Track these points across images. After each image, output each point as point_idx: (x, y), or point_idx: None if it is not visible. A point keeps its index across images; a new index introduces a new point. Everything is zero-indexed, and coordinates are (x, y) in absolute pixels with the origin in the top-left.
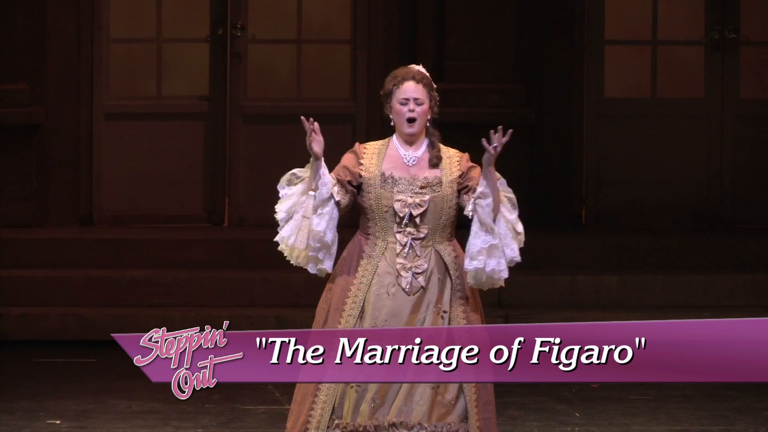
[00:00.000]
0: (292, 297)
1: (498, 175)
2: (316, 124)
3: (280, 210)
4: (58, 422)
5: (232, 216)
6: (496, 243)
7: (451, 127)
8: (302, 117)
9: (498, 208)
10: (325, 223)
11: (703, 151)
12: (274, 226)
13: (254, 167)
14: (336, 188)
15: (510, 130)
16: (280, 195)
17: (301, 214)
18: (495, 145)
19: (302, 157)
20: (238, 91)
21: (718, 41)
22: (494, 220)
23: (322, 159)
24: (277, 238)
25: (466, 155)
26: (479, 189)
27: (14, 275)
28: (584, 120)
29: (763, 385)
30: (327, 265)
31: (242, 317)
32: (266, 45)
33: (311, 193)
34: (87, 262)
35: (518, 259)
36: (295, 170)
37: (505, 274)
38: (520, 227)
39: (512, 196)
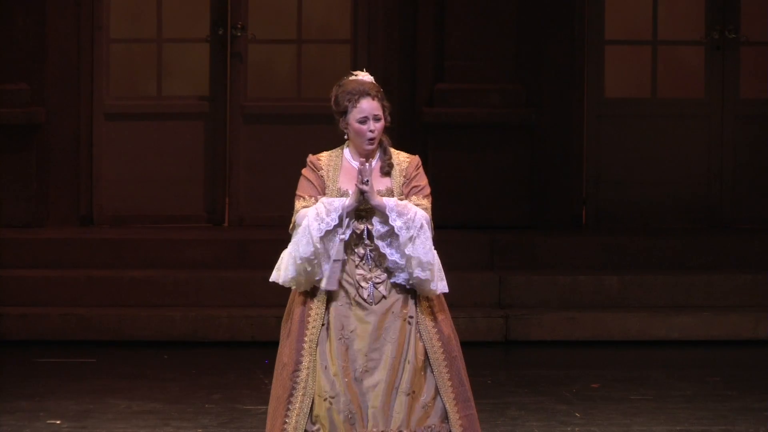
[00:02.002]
0: None
1: (410, 208)
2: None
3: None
4: (58, 422)
5: (232, 216)
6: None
7: (451, 126)
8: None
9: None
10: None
11: (703, 151)
12: (274, 226)
13: (254, 167)
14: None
15: (366, 165)
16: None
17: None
18: (366, 180)
19: (302, 157)
20: (239, 91)
21: (718, 41)
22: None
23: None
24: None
25: (415, 159)
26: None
27: (14, 275)
28: (584, 120)
29: (763, 385)
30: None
31: (242, 317)
32: (266, 45)
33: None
34: (87, 262)
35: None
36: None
37: (443, 287)
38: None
39: (413, 227)
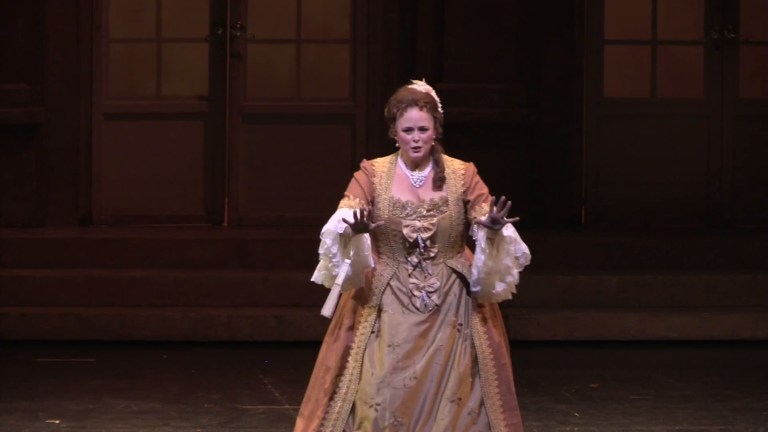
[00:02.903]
0: (292, 297)
1: (510, 235)
2: (367, 210)
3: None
4: (57, 422)
5: (231, 216)
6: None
7: (451, 126)
8: (356, 213)
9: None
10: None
11: (703, 150)
12: (273, 226)
13: (254, 167)
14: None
15: (509, 203)
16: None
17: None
18: (500, 215)
19: (301, 157)
20: (238, 91)
21: (717, 41)
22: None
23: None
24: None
25: (471, 167)
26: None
27: (14, 275)
28: (584, 120)
29: (763, 384)
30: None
31: (242, 317)
32: (266, 45)
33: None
34: (86, 261)
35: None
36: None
37: (509, 296)
38: (516, 271)
39: (521, 255)
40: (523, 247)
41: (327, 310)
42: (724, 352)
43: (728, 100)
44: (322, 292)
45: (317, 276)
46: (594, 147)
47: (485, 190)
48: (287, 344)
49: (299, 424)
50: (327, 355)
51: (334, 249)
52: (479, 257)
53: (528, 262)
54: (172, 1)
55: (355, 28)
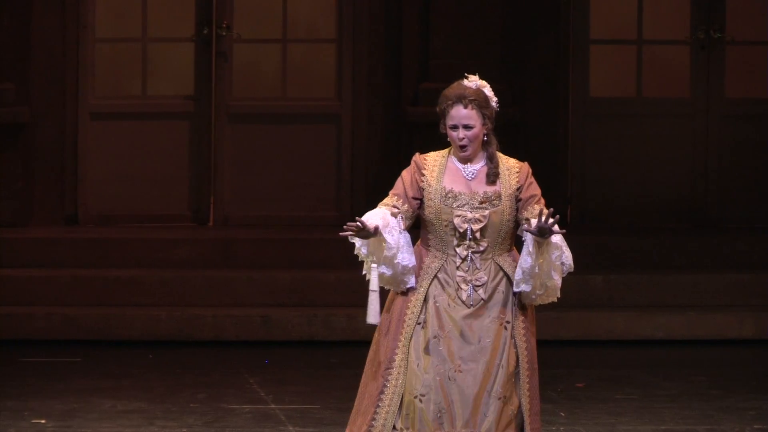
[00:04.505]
0: (277, 296)
1: (557, 243)
2: (358, 223)
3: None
4: (43, 422)
5: (217, 215)
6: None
7: (437, 126)
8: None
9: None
10: (408, 256)
11: (689, 150)
12: (259, 226)
13: (239, 167)
14: (398, 220)
15: (557, 216)
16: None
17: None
18: (548, 225)
19: (286, 156)
20: (224, 91)
21: (703, 40)
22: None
23: (379, 229)
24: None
25: (525, 166)
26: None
27: (0, 275)
28: (569, 119)
29: (748, 384)
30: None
31: (227, 317)
32: (251, 44)
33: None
34: (72, 261)
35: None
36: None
37: (549, 300)
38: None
39: (566, 262)
40: (567, 255)
41: (371, 317)
42: (709, 351)
43: (714, 99)
44: (308, 291)
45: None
46: (580, 146)
47: (538, 191)
48: (273, 344)
49: (351, 417)
50: (377, 348)
51: (364, 251)
52: (525, 258)
53: (572, 270)
54: (157, 1)
55: (340, 27)
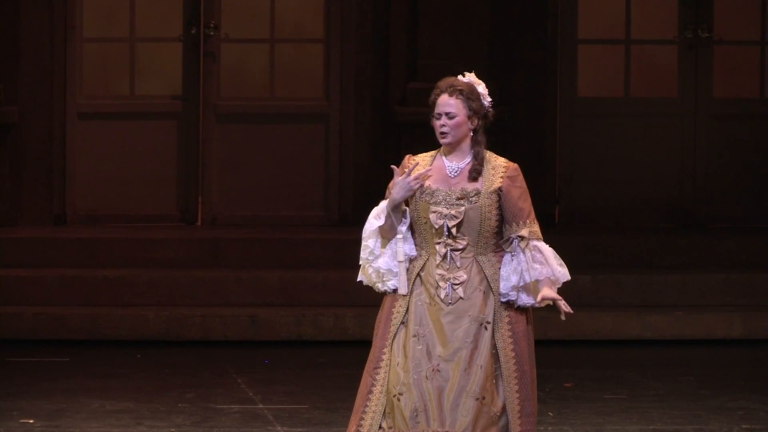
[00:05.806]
0: (265, 296)
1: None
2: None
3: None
4: (31, 421)
5: (205, 215)
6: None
7: (425, 126)
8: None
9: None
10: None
11: (677, 150)
12: (247, 225)
13: (227, 166)
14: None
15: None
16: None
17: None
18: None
19: (274, 156)
20: (212, 91)
21: (691, 40)
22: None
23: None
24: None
25: (513, 166)
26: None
27: None
28: (557, 119)
29: (736, 384)
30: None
31: (216, 317)
32: (239, 44)
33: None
34: (60, 261)
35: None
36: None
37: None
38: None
39: (561, 279)
40: (560, 270)
41: (401, 287)
42: (698, 351)
43: (702, 99)
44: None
45: (363, 278)
46: (568, 146)
47: (528, 203)
48: (261, 344)
49: (351, 419)
50: (371, 352)
51: (377, 250)
52: (512, 277)
53: (568, 279)
54: (145, 1)
55: (328, 27)
